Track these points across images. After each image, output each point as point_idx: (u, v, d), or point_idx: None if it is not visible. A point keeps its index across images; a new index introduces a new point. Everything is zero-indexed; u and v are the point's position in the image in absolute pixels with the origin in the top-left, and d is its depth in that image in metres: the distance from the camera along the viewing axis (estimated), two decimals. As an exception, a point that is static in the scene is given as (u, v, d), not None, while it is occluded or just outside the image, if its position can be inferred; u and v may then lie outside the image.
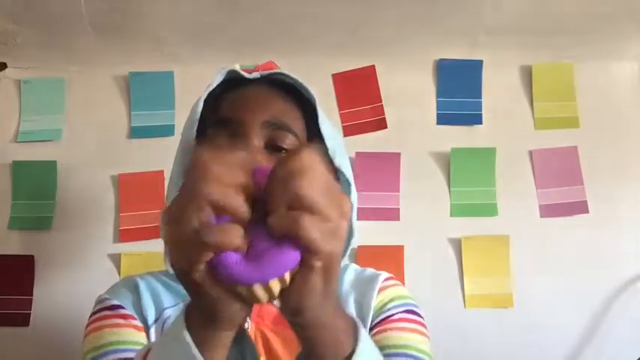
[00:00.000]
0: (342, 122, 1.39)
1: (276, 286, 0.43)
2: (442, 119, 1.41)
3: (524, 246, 1.34)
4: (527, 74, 1.43)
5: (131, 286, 0.78)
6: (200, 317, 0.47)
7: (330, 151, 0.74)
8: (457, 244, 1.34)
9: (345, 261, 0.82)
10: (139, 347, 0.68)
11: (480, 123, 1.40)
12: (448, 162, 1.38)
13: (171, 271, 0.75)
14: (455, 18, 1.25)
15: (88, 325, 0.76)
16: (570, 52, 1.40)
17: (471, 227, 1.35)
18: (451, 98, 1.41)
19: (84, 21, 1.20)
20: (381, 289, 0.77)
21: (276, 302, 0.45)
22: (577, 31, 1.31)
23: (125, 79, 1.39)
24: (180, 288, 0.75)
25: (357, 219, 0.92)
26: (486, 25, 1.28)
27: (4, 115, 1.38)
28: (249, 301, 0.44)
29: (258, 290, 0.43)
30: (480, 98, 1.41)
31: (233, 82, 0.77)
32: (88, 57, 1.36)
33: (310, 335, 0.48)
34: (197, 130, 0.73)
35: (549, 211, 1.37)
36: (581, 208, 1.37)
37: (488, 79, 1.42)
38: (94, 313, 0.76)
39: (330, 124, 0.78)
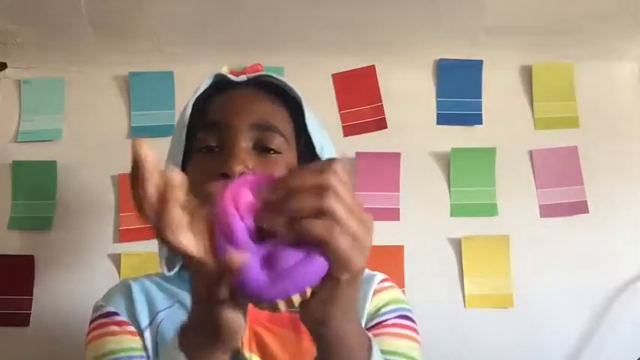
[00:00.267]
0: (342, 122, 1.39)
1: (297, 297, 0.43)
2: (442, 119, 1.41)
3: (524, 246, 1.34)
4: (527, 74, 1.43)
5: (125, 290, 0.79)
6: (198, 337, 0.48)
7: (317, 147, 0.77)
8: (457, 244, 1.34)
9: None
10: (136, 353, 0.71)
11: (480, 123, 1.40)
12: (448, 162, 1.38)
13: (166, 272, 0.76)
14: (455, 18, 1.25)
15: (88, 334, 0.77)
16: (570, 52, 1.40)
17: (470, 227, 1.35)
18: (451, 98, 1.41)
19: (84, 21, 1.20)
20: (376, 292, 0.78)
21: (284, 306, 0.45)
22: (577, 31, 1.31)
23: (125, 79, 1.39)
24: (175, 289, 0.76)
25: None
26: (486, 25, 1.28)
27: (4, 115, 1.37)
28: (268, 311, 0.45)
29: (280, 303, 0.43)
30: (480, 98, 1.41)
31: (220, 85, 0.78)
32: (88, 57, 1.35)
33: (330, 345, 0.50)
34: (186, 134, 0.75)
35: (549, 211, 1.37)
36: (581, 208, 1.37)
37: (488, 79, 1.41)
38: (92, 322, 0.78)
39: (317, 120, 0.79)
